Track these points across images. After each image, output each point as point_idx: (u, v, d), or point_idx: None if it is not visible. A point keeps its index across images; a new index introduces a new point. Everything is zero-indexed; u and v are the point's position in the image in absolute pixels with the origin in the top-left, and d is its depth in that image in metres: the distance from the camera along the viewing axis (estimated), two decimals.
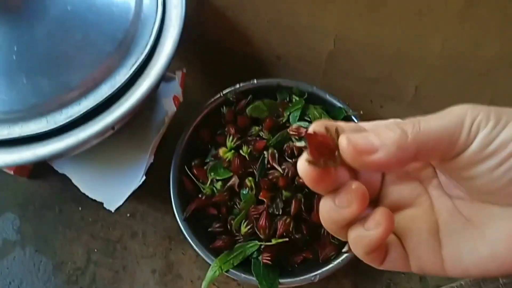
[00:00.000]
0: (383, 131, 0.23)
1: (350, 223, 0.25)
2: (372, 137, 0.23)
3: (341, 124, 0.24)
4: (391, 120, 0.26)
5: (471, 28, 0.49)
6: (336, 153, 0.23)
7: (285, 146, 0.57)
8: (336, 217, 0.24)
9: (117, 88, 0.50)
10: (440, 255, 0.25)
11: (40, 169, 0.70)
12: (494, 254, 0.23)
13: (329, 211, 0.24)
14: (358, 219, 0.24)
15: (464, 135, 0.23)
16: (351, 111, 0.61)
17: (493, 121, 0.23)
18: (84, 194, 0.60)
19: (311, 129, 0.23)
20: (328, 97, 0.62)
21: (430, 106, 0.63)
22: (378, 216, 0.24)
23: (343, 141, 0.23)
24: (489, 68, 0.53)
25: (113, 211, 0.58)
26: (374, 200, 0.28)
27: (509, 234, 0.23)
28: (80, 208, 0.68)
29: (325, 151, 0.22)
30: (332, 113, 0.61)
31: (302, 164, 0.23)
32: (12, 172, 0.66)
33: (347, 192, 0.24)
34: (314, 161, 0.22)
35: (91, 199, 0.60)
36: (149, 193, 0.68)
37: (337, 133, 0.23)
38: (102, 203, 0.59)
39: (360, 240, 0.24)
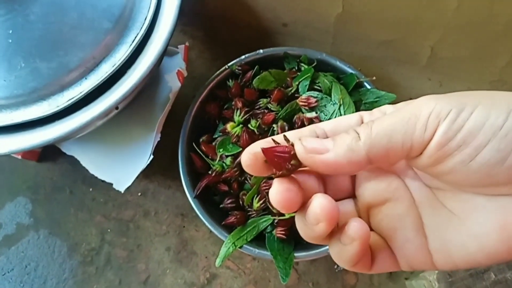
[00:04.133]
0: (339, 135, 0.23)
1: (328, 236, 0.24)
2: (326, 141, 0.23)
3: (288, 136, 0.25)
4: (355, 115, 0.26)
5: None
6: (293, 152, 0.24)
7: (295, 117, 0.55)
8: (310, 234, 0.24)
9: (117, 66, 0.49)
10: (428, 251, 0.24)
11: (49, 152, 0.70)
12: (482, 247, 0.22)
13: (303, 228, 0.24)
14: (337, 230, 0.24)
15: (419, 129, 0.21)
16: (363, 77, 0.58)
17: (456, 110, 0.21)
18: (93, 175, 0.60)
19: (261, 145, 0.24)
20: (338, 63, 0.60)
21: (447, 68, 0.61)
22: (351, 230, 0.23)
23: (296, 142, 0.23)
24: (507, 26, 0.50)
25: (122, 191, 0.58)
26: (352, 196, 0.28)
27: (498, 226, 0.22)
28: (91, 189, 0.68)
29: (284, 155, 0.23)
30: (344, 80, 0.59)
31: (273, 193, 0.23)
32: (20, 157, 0.66)
33: (313, 210, 0.23)
34: (279, 173, 0.24)
35: (101, 180, 0.59)
36: (158, 171, 0.67)
37: (287, 139, 0.24)
38: (112, 184, 0.58)
39: (340, 255, 0.24)
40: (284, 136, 0.24)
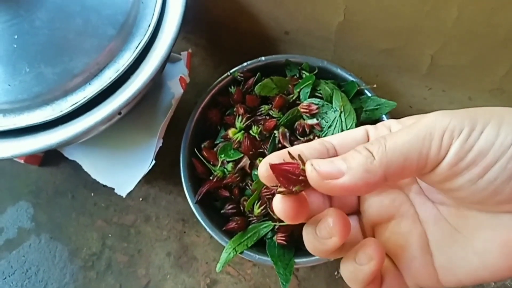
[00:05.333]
0: (350, 154, 0.22)
1: (337, 251, 0.24)
2: (338, 162, 0.22)
3: (301, 148, 0.24)
4: (360, 129, 0.25)
5: None
6: (302, 177, 0.22)
7: (296, 124, 0.55)
8: (320, 247, 0.24)
9: (121, 72, 0.49)
10: (433, 268, 0.24)
11: (51, 157, 0.70)
12: (485, 263, 0.22)
13: (312, 241, 0.24)
14: (345, 245, 0.24)
15: (434, 148, 0.21)
16: (364, 84, 0.59)
17: (468, 128, 0.21)
18: (95, 179, 0.60)
19: (271, 160, 0.23)
20: (339, 71, 0.60)
21: (447, 76, 0.61)
22: (369, 249, 0.23)
23: (307, 167, 0.22)
24: (507, 35, 0.51)
25: (124, 196, 0.58)
26: (357, 211, 0.28)
27: (500, 243, 0.22)
28: (92, 194, 0.68)
29: (292, 177, 0.22)
30: (344, 87, 0.59)
31: (277, 202, 0.23)
32: (22, 161, 0.66)
33: (327, 224, 0.23)
34: (285, 190, 0.23)
35: (103, 184, 0.59)
36: (160, 176, 0.68)
37: (301, 159, 0.23)
38: (113, 189, 0.59)
39: (355, 276, 0.24)
40: (299, 156, 0.23)
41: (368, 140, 0.26)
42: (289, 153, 0.23)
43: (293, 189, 0.22)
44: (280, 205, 0.23)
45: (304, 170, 0.22)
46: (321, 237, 0.23)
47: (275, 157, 0.23)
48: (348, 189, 0.22)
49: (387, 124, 0.26)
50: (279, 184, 0.23)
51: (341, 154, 0.24)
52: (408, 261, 0.25)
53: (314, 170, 0.22)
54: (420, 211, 0.26)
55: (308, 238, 0.24)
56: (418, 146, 0.21)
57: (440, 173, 0.21)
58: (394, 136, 0.22)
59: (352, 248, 0.24)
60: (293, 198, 0.23)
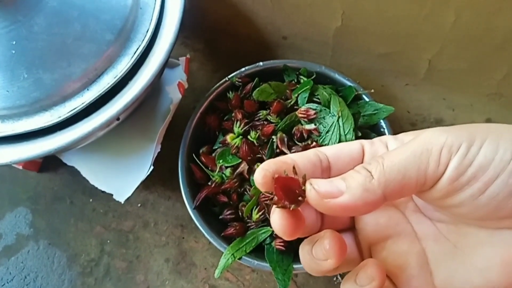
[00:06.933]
0: (349, 174, 0.22)
1: (333, 270, 0.24)
2: (337, 181, 0.22)
3: (295, 158, 0.24)
4: (355, 143, 0.25)
5: None
6: (300, 198, 0.23)
7: (294, 129, 0.55)
8: (316, 268, 0.24)
9: (119, 77, 0.49)
10: (433, 286, 0.24)
11: (49, 162, 0.70)
12: (486, 281, 0.22)
13: (308, 261, 0.24)
14: (341, 263, 0.24)
15: (433, 164, 0.21)
16: (362, 89, 0.59)
17: (466, 144, 0.21)
18: (94, 185, 0.60)
19: (267, 168, 0.23)
20: (337, 76, 0.60)
21: (444, 80, 0.61)
22: (370, 270, 0.23)
23: (307, 186, 0.22)
24: (505, 39, 0.51)
25: (122, 202, 0.58)
26: (351, 228, 0.27)
27: (501, 260, 0.22)
28: (91, 200, 0.68)
29: (291, 194, 0.22)
30: (342, 92, 0.59)
31: (275, 219, 0.23)
32: (21, 167, 0.66)
33: (323, 247, 0.23)
34: (283, 204, 0.22)
35: (101, 190, 0.59)
36: (158, 182, 0.68)
37: (304, 179, 0.23)
38: (112, 194, 0.59)
39: None
40: (304, 177, 0.23)
41: (363, 155, 0.26)
42: (293, 168, 0.23)
43: (289, 206, 0.22)
44: (279, 221, 0.23)
45: (304, 191, 0.22)
46: (317, 259, 0.23)
47: (273, 164, 0.23)
48: (347, 208, 0.21)
49: (384, 140, 0.26)
50: (275, 200, 0.23)
51: (334, 166, 0.25)
52: (407, 280, 0.25)
53: (313, 189, 0.22)
54: (418, 229, 0.25)
55: (304, 257, 0.24)
56: (416, 163, 0.21)
57: (440, 189, 0.21)
58: (392, 154, 0.22)
59: (348, 266, 0.24)
60: (290, 215, 0.23)
